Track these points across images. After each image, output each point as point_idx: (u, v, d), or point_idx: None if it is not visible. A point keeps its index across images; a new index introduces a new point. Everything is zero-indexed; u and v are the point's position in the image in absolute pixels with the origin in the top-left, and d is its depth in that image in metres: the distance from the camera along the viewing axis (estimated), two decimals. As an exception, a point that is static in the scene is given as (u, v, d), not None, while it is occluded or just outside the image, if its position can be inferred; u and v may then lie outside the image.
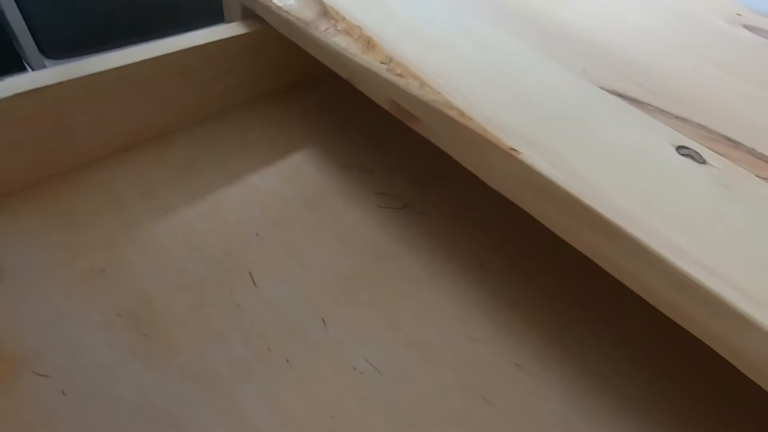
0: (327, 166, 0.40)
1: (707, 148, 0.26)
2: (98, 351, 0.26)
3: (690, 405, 0.28)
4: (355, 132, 0.44)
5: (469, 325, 0.30)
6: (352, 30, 0.32)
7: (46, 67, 0.85)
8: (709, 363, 0.30)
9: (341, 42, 0.31)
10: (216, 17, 0.45)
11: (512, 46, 0.34)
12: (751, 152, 0.27)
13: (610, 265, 0.22)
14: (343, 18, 0.33)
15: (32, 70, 1.01)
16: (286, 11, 0.35)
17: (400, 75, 0.28)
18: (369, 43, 0.31)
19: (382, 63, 0.29)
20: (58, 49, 1.00)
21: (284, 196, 0.37)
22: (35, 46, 0.98)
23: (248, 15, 0.41)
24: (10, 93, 0.30)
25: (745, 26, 0.47)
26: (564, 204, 0.22)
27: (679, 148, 0.26)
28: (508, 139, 0.24)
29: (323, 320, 0.29)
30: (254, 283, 0.31)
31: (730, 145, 0.27)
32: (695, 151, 0.26)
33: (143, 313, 0.28)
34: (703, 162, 0.25)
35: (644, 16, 0.43)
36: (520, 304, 0.32)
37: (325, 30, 0.33)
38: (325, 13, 0.34)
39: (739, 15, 0.49)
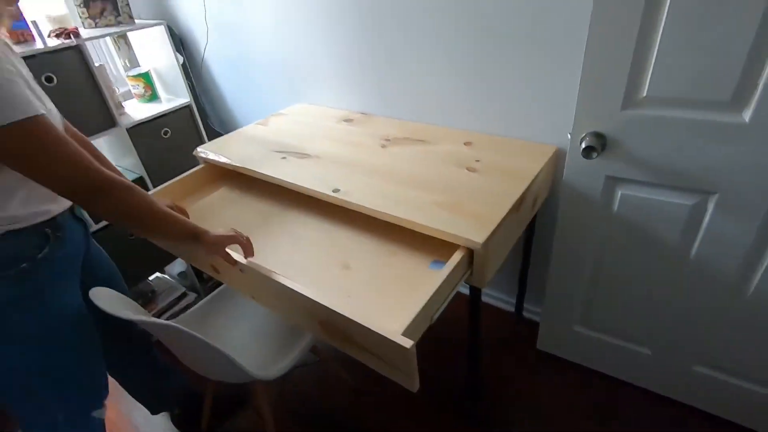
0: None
1: (296, 157, 1.32)
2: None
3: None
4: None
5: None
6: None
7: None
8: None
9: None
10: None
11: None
12: (308, 154, 1.33)
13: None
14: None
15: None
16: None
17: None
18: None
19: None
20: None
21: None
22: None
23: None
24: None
25: (344, 120, 1.56)
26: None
27: (283, 156, 1.30)
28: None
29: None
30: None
31: (305, 155, 1.33)
32: (293, 155, 1.31)
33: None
34: (304, 158, 1.31)
35: (303, 127, 1.54)
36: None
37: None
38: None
39: (347, 120, 1.59)
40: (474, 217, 0.95)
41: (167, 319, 1.72)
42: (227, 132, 2.15)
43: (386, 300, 0.91)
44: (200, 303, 1.27)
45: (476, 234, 0.90)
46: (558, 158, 1.22)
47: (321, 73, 1.62)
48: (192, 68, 1.95)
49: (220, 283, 1.93)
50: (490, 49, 1.20)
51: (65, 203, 0.89)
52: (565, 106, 1.15)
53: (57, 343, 0.87)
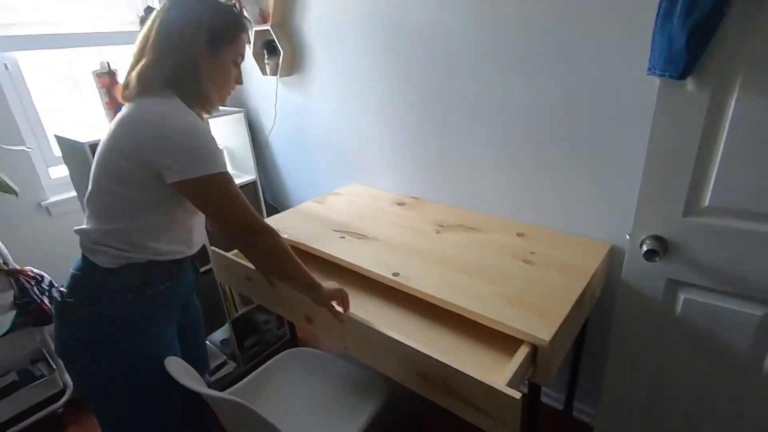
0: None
1: (354, 237, 1.37)
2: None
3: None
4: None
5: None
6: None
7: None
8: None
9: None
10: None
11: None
12: (365, 235, 1.38)
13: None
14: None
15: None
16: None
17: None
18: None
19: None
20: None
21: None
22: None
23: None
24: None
25: (398, 203, 1.64)
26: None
27: (341, 236, 1.36)
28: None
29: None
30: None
31: (363, 236, 1.38)
32: (351, 235, 1.37)
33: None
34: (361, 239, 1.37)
35: (354, 207, 1.59)
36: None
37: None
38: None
39: (400, 203, 1.67)
40: (537, 312, 0.96)
41: (209, 386, 1.71)
42: (279, 204, 2.28)
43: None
44: (250, 376, 1.28)
45: (543, 330, 0.90)
46: (613, 256, 1.24)
47: (376, 157, 1.74)
48: (255, 147, 2.13)
49: (259, 356, 1.96)
50: (543, 145, 1.28)
51: (194, 248, 1.04)
52: (620, 205, 1.19)
53: (153, 370, 0.93)
